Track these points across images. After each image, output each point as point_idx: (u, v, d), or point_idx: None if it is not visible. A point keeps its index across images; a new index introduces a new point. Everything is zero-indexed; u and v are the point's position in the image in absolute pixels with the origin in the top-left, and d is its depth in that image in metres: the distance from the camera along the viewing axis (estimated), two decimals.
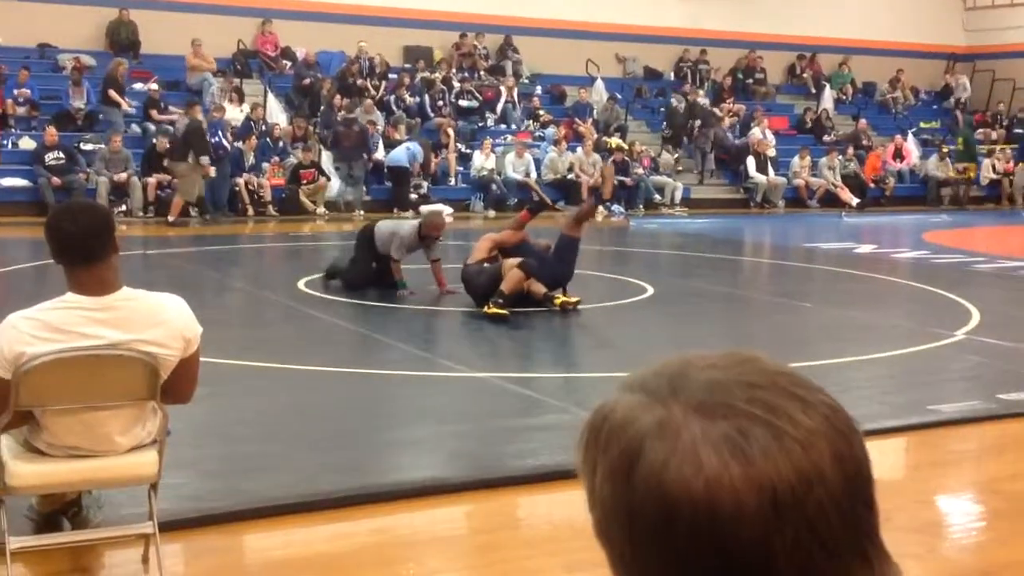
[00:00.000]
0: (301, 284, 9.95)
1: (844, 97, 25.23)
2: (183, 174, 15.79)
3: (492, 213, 18.32)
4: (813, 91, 24.90)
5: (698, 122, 21.38)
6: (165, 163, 16.23)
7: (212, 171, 15.91)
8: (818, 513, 0.76)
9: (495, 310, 8.37)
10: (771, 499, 0.75)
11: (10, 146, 16.81)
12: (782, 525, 0.75)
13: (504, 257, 8.99)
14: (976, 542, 4.39)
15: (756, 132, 21.50)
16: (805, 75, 25.28)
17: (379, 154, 18.31)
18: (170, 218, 15.63)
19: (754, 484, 0.75)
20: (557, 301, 8.74)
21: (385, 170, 18.17)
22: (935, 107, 26.33)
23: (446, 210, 17.80)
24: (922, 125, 24.97)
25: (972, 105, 26.35)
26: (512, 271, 8.63)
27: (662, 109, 22.37)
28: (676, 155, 21.15)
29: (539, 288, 8.81)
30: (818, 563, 0.76)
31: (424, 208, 9.78)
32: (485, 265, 8.96)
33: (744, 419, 0.77)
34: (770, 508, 0.75)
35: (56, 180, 15.61)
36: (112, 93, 17.56)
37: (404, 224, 9.95)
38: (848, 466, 0.78)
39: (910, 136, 23.34)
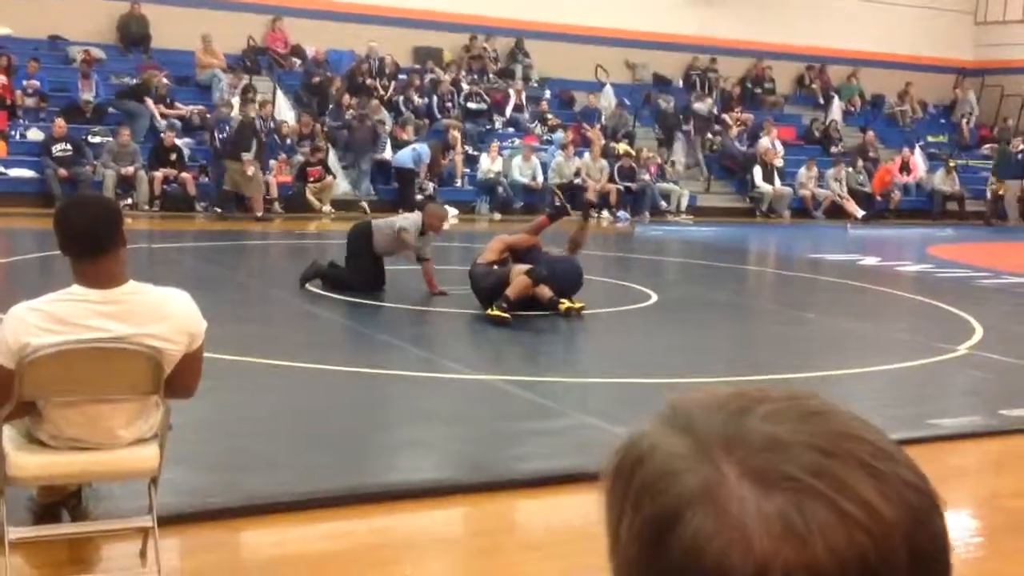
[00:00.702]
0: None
1: (852, 109, 25.23)
2: (238, 172, 16.18)
3: (498, 216, 18.33)
4: (821, 102, 24.90)
5: (691, 124, 21.50)
6: (223, 160, 16.50)
7: (251, 168, 16.18)
8: None
9: (498, 313, 8.37)
10: None
11: (18, 137, 16.84)
12: None
13: (515, 261, 8.99)
14: (976, 557, 4.38)
15: (764, 142, 21.50)
16: (814, 86, 25.28)
17: (386, 154, 18.33)
18: (258, 213, 16.13)
19: (809, 569, 0.64)
20: (563, 306, 8.74)
21: (392, 170, 18.19)
22: (943, 121, 26.32)
23: (451, 211, 17.86)
24: (929, 139, 24.97)
25: (980, 120, 26.34)
26: (520, 277, 8.62)
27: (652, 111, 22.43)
28: (685, 161, 21.18)
29: (545, 292, 8.81)
30: None
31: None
32: (495, 267, 8.95)
33: (806, 495, 0.65)
34: None
35: (63, 172, 15.64)
36: (148, 101, 17.57)
37: (405, 220, 9.80)
38: (923, 558, 0.67)
39: (917, 150, 23.34)
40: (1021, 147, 22.83)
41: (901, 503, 0.67)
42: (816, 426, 0.68)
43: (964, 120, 25.74)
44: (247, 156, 16.10)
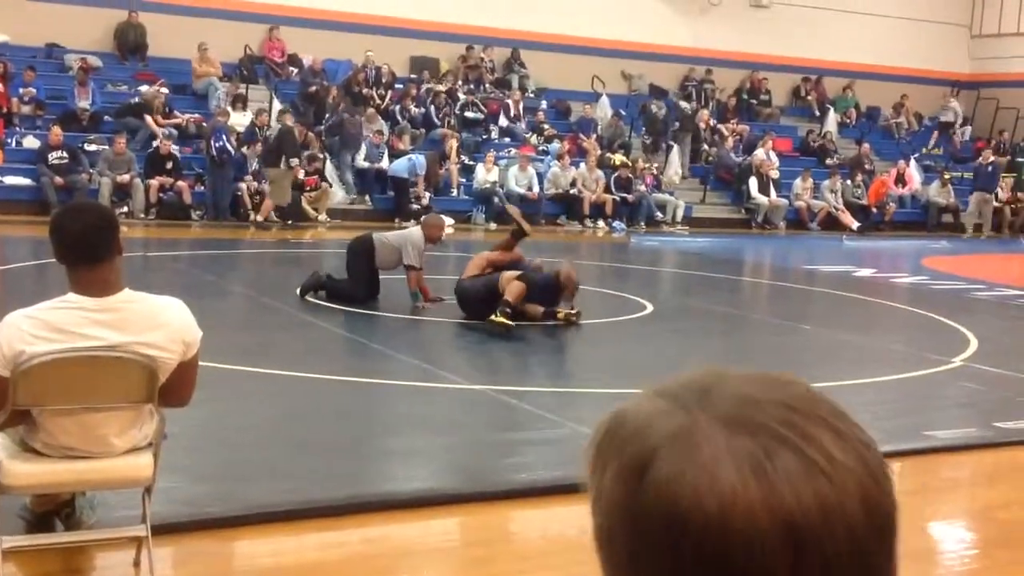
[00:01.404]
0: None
1: (848, 121, 25.30)
2: (275, 179, 16.46)
3: (493, 226, 18.34)
4: (817, 114, 24.97)
5: (676, 124, 21.68)
6: (258, 167, 16.78)
7: (301, 173, 16.61)
8: (836, 554, 0.70)
9: (501, 319, 8.34)
10: (788, 529, 0.69)
11: (14, 145, 16.84)
12: (796, 559, 0.69)
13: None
14: (970, 570, 4.38)
15: (760, 153, 21.55)
16: (809, 98, 25.35)
17: (383, 163, 18.34)
18: (259, 218, 16.37)
19: (772, 509, 0.69)
20: (560, 314, 8.76)
21: (388, 180, 18.20)
22: (938, 133, 26.39)
23: (447, 221, 17.86)
24: (924, 151, 25.04)
25: (975, 133, 26.41)
26: (514, 283, 8.62)
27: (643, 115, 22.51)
28: (681, 172, 21.22)
29: (536, 309, 8.80)
30: None
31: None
32: (501, 274, 8.93)
33: (773, 440, 0.71)
34: (786, 539, 0.69)
35: (59, 180, 15.64)
36: (148, 119, 17.60)
37: (406, 235, 9.82)
38: (876, 512, 0.73)
39: (912, 162, 23.39)
40: (992, 159, 22.82)
41: (858, 458, 0.73)
42: (784, 390, 0.75)
43: (954, 130, 25.77)
44: (295, 163, 16.56)
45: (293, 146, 16.60)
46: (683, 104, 22.38)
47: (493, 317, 8.41)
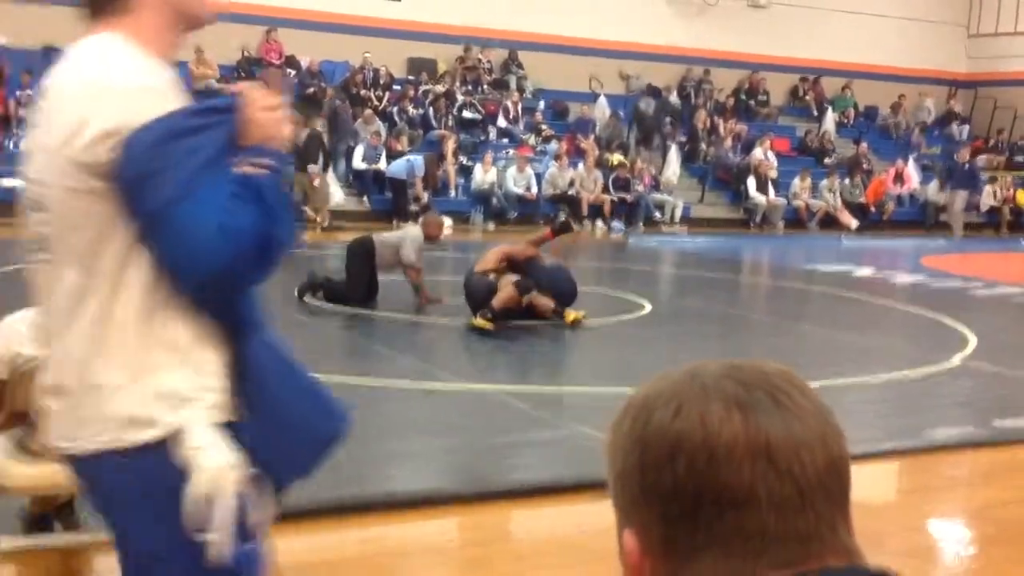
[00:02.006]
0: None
1: (846, 120, 25.31)
2: (306, 183, 16.66)
3: (492, 226, 18.35)
4: (815, 114, 24.98)
5: (668, 119, 21.78)
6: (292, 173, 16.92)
7: (317, 180, 16.67)
8: (802, 472, 0.87)
9: (481, 323, 8.40)
10: (765, 450, 0.86)
11: (12, 147, 16.83)
12: (770, 474, 0.86)
13: (512, 271, 8.99)
14: (968, 568, 4.39)
15: (758, 153, 21.56)
16: (807, 97, 25.36)
17: (381, 164, 18.34)
18: (324, 223, 16.65)
19: (751, 433, 0.87)
20: (568, 318, 8.78)
21: (387, 180, 18.20)
22: (936, 133, 26.41)
23: (446, 222, 17.87)
24: (923, 151, 25.05)
25: (974, 132, 26.43)
26: (507, 288, 8.64)
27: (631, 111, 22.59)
28: (679, 172, 21.23)
29: (547, 304, 8.82)
30: (795, 519, 0.87)
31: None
32: (491, 276, 8.95)
33: (752, 387, 0.90)
34: (763, 457, 0.86)
35: None
36: None
37: (405, 232, 9.85)
38: (832, 448, 0.90)
39: (911, 161, 23.41)
40: (968, 157, 22.76)
41: (819, 409, 0.92)
42: (760, 364, 0.95)
43: (922, 125, 25.75)
44: (314, 168, 16.70)
45: (316, 151, 16.81)
46: (672, 100, 22.41)
47: (473, 320, 8.47)
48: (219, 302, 1.85)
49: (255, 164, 1.77)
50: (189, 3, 2.01)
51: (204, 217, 1.71)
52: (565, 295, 9.01)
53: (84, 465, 1.84)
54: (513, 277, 8.81)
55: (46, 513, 3.89)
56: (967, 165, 22.45)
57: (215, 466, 1.78)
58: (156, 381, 1.79)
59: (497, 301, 8.55)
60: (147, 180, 1.72)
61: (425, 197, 18.04)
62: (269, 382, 1.94)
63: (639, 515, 0.91)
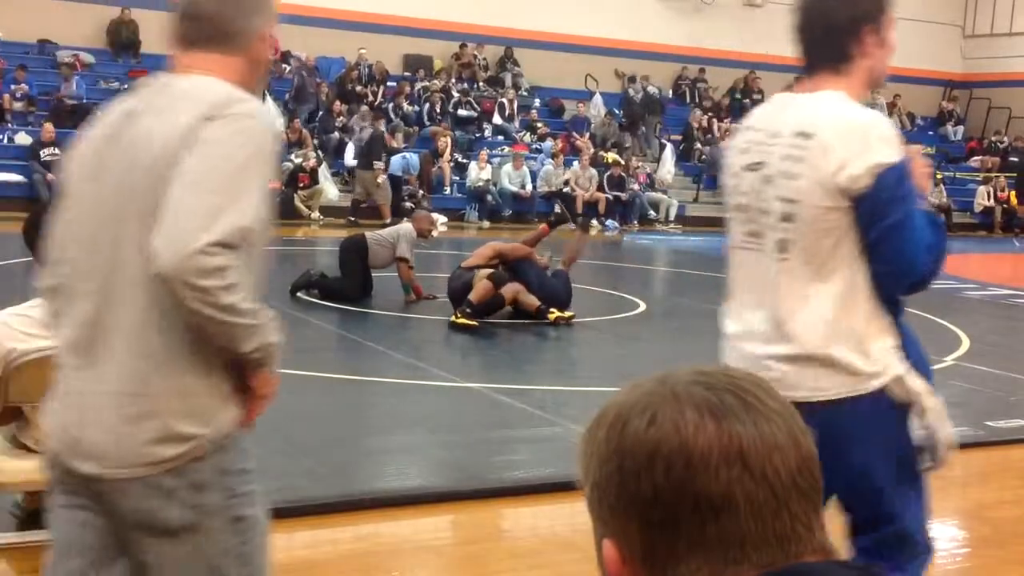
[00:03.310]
0: None
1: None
2: (365, 180, 17.23)
3: (487, 224, 18.35)
4: None
5: (645, 110, 22.23)
6: (356, 170, 17.46)
7: (382, 177, 17.20)
8: (776, 475, 0.89)
9: (463, 320, 8.39)
10: (739, 453, 0.88)
11: (6, 141, 16.80)
12: (745, 479, 0.88)
13: (506, 270, 8.97)
14: (961, 568, 4.39)
15: None
16: None
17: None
18: (387, 220, 16.64)
19: (725, 438, 0.89)
20: (551, 316, 8.75)
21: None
22: (931, 133, 26.45)
23: (440, 219, 17.86)
24: (923, 149, 25.07)
25: (968, 133, 26.47)
26: (482, 282, 8.61)
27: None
28: (674, 171, 21.26)
29: (532, 301, 8.81)
30: (773, 521, 0.88)
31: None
32: (473, 271, 8.93)
33: (722, 392, 0.92)
34: (737, 461, 0.88)
35: (51, 176, 15.59)
36: None
37: (398, 229, 9.84)
38: (802, 447, 0.92)
39: None
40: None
41: (784, 408, 0.93)
42: (726, 369, 0.97)
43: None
44: (379, 165, 17.15)
45: (379, 150, 17.37)
46: (651, 89, 22.71)
47: (454, 317, 8.45)
48: (904, 297, 2.51)
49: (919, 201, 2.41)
50: (882, 69, 2.73)
51: (919, 237, 2.36)
52: (555, 300, 8.95)
53: (821, 413, 2.30)
54: (486, 271, 8.76)
55: (40, 509, 3.88)
56: None
57: (935, 406, 2.50)
58: (877, 346, 2.43)
59: (474, 295, 8.52)
60: (888, 205, 2.33)
61: (420, 194, 18.04)
62: (912, 353, 2.52)
63: (618, 524, 0.92)
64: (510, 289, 8.72)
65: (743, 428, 0.89)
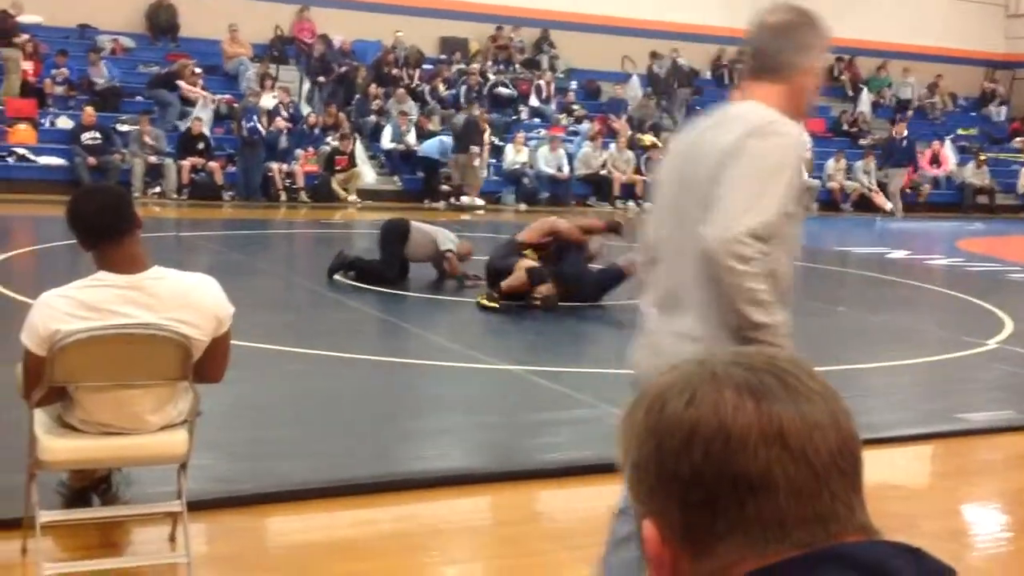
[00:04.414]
0: None
1: (881, 101, 25.02)
2: (463, 164, 17.70)
3: (523, 207, 18.32)
4: (850, 94, 24.72)
5: (674, 81, 22.23)
6: (453, 154, 17.86)
7: (477, 161, 17.81)
8: (816, 455, 0.88)
9: (484, 301, 8.47)
10: (778, 433, 0.88)
11: (48, 125, 16.97)
12: (785, 458, 0.88)
13: (555, 250, 8.90)
14: (1004, 551, 4.36)
15: None
16: (843, 78, 25.10)
17: (411, 140, 18.33)
18: (478, 200, 17.81)
19: (764, 418, 0.88)
20: (536, 297, 8.64)
21: (418, 159, 18.20)
22: (973, 114, 26.09)
23: (477, 201, 17.88)
24: (960, 132, 24.76)
25: (1012, 112, 26.08)
26: (520, 272, 8.61)
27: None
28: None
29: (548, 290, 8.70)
30: (813, 502, 0.88)
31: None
32: (521, 254, 8.88)
33: (762, 372, 0.92)
34: (776, 441, 0.88)
35: (92, 160, 15.76)
36: (180, 83, 17.74)
37: (449, 240, 9.76)
38: (842, 427, 0.91)
39: (947, 142, 23.13)
40: (905, 132, 21.97)
41: (825, 389, 0.93)
42: (765, 350, 0.97)
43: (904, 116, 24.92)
44: (475, 150, 17.64)
45: (474, 135, 17.86)
46: (681, 61, 22.60)
47: (480, 298, 8.57)
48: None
49: None
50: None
51: None
52: (581, 293, 8.83)
53: None
54: (529, 263, 8.74)
55: (85, 487, 3.94)
56: (904, 142, 21.79)
57: None
58: None
59: (506, 284, 8.55)
60: None
61: (456, 177, 18.05)
62: None
63: (657, 504, 0.92)
64: (543, 288, 8.66)
65: (782, 408, 0.89)
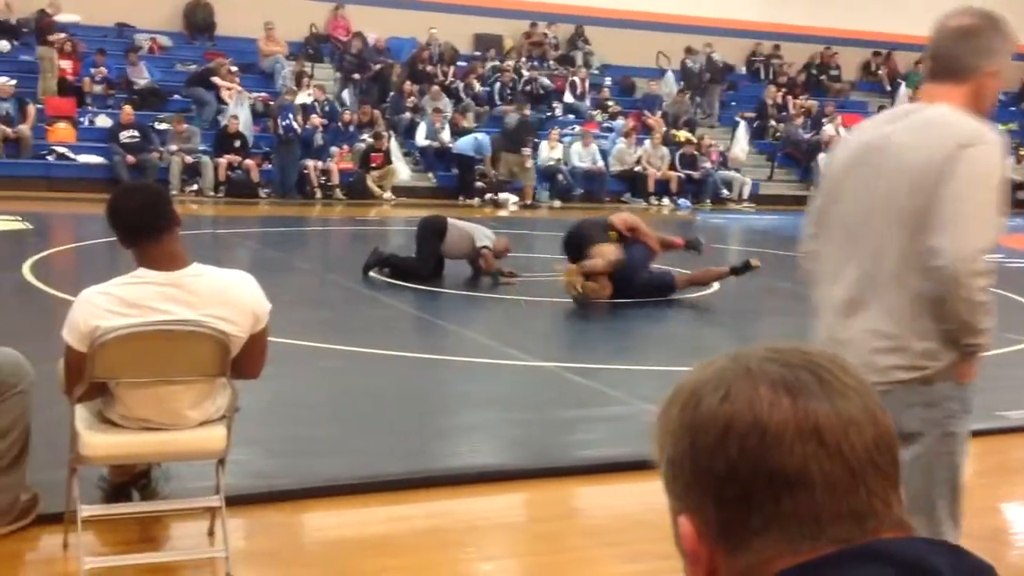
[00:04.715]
0: None
1: (920, 96, 24.77)
2: (515, 163, 17.84)
3: (558, 203, 18.31)
4: (888, 89, 24.49)
5: (708, 76, 22.14)
6: (501, 152, 18.04)
7: (529, 163, 17.99)
8: (852, 451, 0.88)
9: (578, 289, 8.44)
10: (814, 429, 0.88)
11: (87, 123, 17.16)
12: (820, 455, 0.88)
13: (630, 242, 8.91)
14: None
15: (829, 128, 21.21)
16: (880, 72, 24.87)
17: (445, 138, 18.36)
18: (527, 201, 17.95)
19: (800, 414, 0.88)
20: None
21: (453, 157, 18.23)
22: (1012, 108, 25.75)
23: (511, 199, 17.88)
24: (999, 127, 24.41)
25: None
26: (604, 261, 8.57)
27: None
28: (747, 149, 21.01)
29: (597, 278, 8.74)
30: (849, 498, 0.88)
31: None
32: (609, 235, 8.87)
33: (797, 368, 0.91)
34: (812, 437, 0.88)
35: (130, 158, 15.91)
36: (215, 80, 17.90)
37: (485, 237, 9.75)
38: (879, 423, 0.91)
39: None
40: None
41: (861, 384, 0.92)
42: (804, 347, 0.96)
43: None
44: (526, 151, 17.81)
45: (525, 135, 18.10)
46: (715, 56, 22.48)
47: (575, 284, 8.53)
48: None
49: None
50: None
51: None
52: (623, 294, 8.84)
53: None
54: (614, 256, 8.69)
55: (125, 482, 3.98)
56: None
57: None
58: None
59: (590, 264, 8.51)
60: None
61: (492, 174, 18.07)
62: None
63: (693, 500, 0.92)
64: (590, 285, 8.66)
65: (818, 404, 0.89)
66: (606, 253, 8.66)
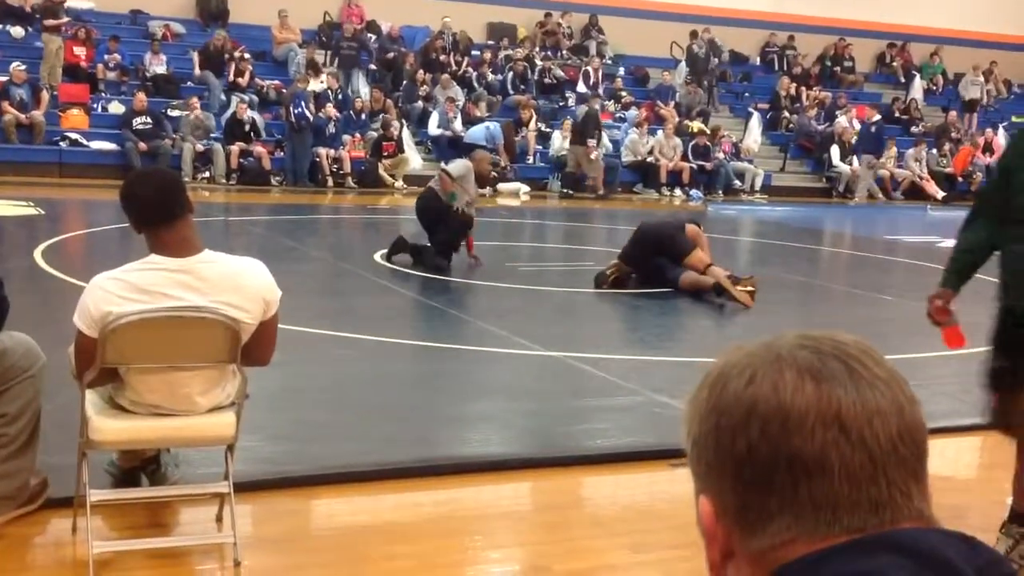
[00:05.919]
0: (377, 256, 10.04)
1: (934, 88, 24.65)
2: (582, 155, 18.06)
3: (570, 193, 18.29)
4: (902, 81, 24.38)
5: (715, 60, 22.27)
6: (571, 145, 18.31)
7: (594, 153, 18.18)
8: (874, 440, 0.88)
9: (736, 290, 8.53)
10: (836, 416, 0.88)
11: (100, 110, 17.19)
12: (841, 440, 0.88)
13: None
14: None
15: (842, 120, 21.12)
16: (895, 64, 24.76)
17: (457, 128, 18.34)
18: (600, 191, 18.10)
19: (824, 401, 0.88)
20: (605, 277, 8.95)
21: (464, 146, 18.22)
22: None
23: (522, 188, 17.87)
24: (1014, 119, 24.33)
25: None
26: (703, 275, 8.72)
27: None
28: (760, 140, 20.93)
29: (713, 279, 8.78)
30: (867, 484, 0.87)
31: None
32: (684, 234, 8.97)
33: (826, 356, 0.91)
34: (834, 423, 0.88)
35: (143, 145, 15.94)
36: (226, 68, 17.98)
37: (451, 164, 10.06)
38: (907, 415, 0.90)
39: (1000, 130, 22.76)
40: (876, 118, 21.11)
41: (892, 376, 0.92)
42: (832, 335, 0.95)
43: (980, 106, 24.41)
44: (591, 143, 17.87)
45: (592, 127, 18.16)
46: (719, 42, 22.51)
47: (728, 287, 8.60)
48: None
49: None
50: None
51: None
52: (645, 281, 8.95)
53: None
54: (723, 273, 8.72)
55: (134, 467, 4.00)
56: (874, 127, 21.24)
57: None
58: None
59: (691, 281, 8.68)
60: None
61: (503, 162, 18.04)
62: None
63: (713, 480, 0.93)
64: (613, 270, 8.86)
65: (843, 392, 0.89)
66: (703, 260, 8.78)
